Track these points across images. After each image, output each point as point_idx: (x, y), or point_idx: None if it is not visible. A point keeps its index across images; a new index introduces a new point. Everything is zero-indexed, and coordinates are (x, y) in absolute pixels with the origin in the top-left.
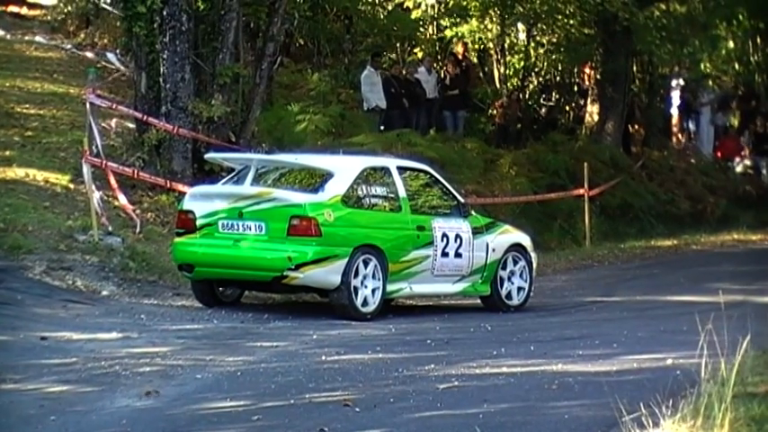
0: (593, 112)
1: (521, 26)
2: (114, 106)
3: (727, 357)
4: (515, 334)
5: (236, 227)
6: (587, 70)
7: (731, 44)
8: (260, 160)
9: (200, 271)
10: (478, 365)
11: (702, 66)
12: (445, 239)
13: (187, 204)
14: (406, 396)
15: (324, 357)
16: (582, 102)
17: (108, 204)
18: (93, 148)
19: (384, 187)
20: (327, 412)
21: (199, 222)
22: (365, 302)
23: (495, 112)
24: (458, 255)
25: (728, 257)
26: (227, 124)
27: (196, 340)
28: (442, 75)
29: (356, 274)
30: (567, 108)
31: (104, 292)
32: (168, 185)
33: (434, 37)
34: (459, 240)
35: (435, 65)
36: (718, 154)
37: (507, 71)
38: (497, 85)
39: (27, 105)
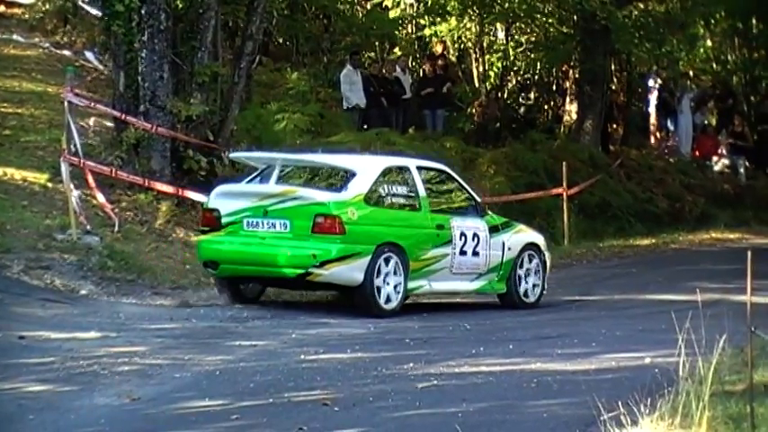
0: (571, 111)
1: (500, 25)
2: (93, 105)
3: (705, 356)
4: (494, 333)
5: (260, 225)
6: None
7: (709, 43)
8: (284, 159)
9: (225, 268)
10: (457, 364)
11: (680, 65)
12: (463, 238)
13: (212, 203)
14: (384, 395)
15: (303, 356)
16: (560, 101)
17: (86, 203)
18: (72, 146)
19: (404, 186)
20: (306, 411)
21: (224, 220)
22: (387, 299)
23: (473, 111)
24: (475, 253)
25: (706, 256)
26: (205, 123)
27: (175, 339)
28: (421, 73)
29: (378, 272)
30: (546, 107)
31: (83, 291)
32: (146, 184)
33: (413, 36)
34: (476, 239)
35: (412, 64)
36: (696, 153)
37: (486, 70)
38: (476, 85)
39: (5, 104)
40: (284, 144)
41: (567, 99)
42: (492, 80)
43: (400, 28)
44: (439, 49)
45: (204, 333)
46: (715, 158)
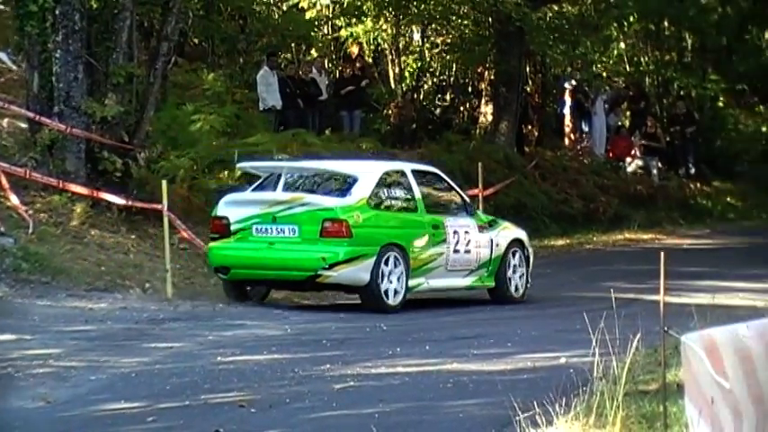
0: (487, 112)
1: (415, 27)
2: (6, 106)
3: (619, 356)
4: (410, 333)
5: (269, 230)
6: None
7: (622, 45)
8: (290, 168)
9: (235, 272)
10: (374, 365)
11: (594, 66)
12: (456, 237)
13: (221, 211)
14: (301, 396)
15: (219, 358)
16: (476, 102)
17: (0, 205)
18: None
19: (401, 189)
20: (223, 413)
21: (233, 227)
22: (393, 295)
23: (390, 112)
24: (467, 251)
25: (620, 256)
26: (120, 124)
27: (90, 341)
28: (337, 75)
29: (383, 272)
30: (462, 108)
31: None
32: (61, 186)
33: (329, 37)
34: (467, 237)
35: (329, 65)
36: (610, 154)
37: (402, 71)
38: (392, 86)
39: None
40: (200, 145)
41: (483, 100)
42: (408, 81)
43: (316, 29)
44: (355, 50)
45: (120, 335)
46: (628, 160)
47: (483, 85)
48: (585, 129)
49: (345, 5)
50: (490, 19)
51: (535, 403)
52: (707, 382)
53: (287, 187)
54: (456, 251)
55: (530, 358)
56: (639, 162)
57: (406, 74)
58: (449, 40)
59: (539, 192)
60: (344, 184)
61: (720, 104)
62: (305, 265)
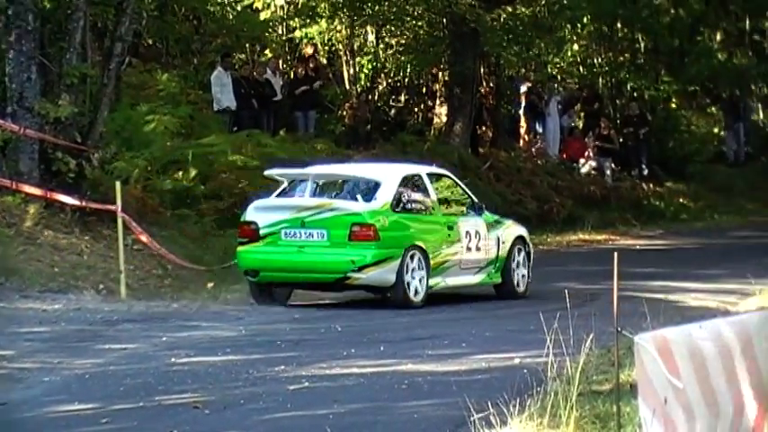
0: (441, 113)
1: (370, 28)
2: None
3: (573, 356)
4: (365, 334)
5: (298, 234)
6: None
7: (576, 47)
8: (316, 174)
9: (265, 275)
10: (329, 366)
11: (548, 68)
12: (468, 236)
13: (250, 216)
14: (256, 398)
15: (173, 359)
16: (431, 103)
17: None
18: None
19: (419, 192)
20: (177, 415)
21: (262, 232)
22: (415, 294)
23: (344, 113)
24: (477, 249)
25: (574, 257)
26: (74, 125)
27: (44, 343)
28: (292, 75)
29: (407, 272)
30: (416, 109)
31: None
32: (14, 187)
33: (284, 38)
34: (478, 236)
35: (283, 66)
36: (564, 155)
37: (357, 72)
38: (347, 87)
39: None
40: (154, 146)
41: (437, 101)
42: (363, 82)
43: (271, 30)
44: (309, 51)
45: (74, 336)
46: (582, 161)
47: (437, 87)
48: (539, 130)
49: (300, 6)
50: (444, 20)
51: (489, 404)
52: (660, 382)
53: (313, 193)
54: (468, 250)
55: (484, 359)
56: (593, 163)
57: (361, 75)
58: (403, 42)
59: (493, 193)
60: (368, 189)
61: (673, 106)
62: (335, 268)
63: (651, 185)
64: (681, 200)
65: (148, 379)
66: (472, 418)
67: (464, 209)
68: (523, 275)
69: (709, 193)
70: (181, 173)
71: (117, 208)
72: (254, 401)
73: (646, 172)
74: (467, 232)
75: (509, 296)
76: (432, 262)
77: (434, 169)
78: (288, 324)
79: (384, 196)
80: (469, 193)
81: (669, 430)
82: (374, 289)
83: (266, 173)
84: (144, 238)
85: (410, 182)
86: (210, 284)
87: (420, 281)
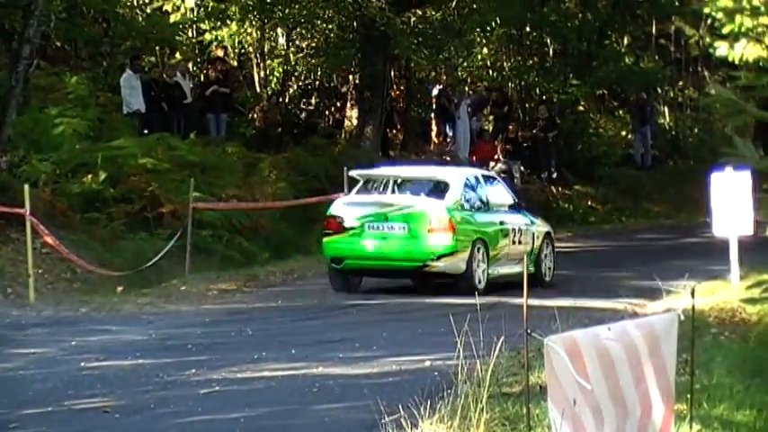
0: (352, 116)
1: (280, 30)
2: None
3: (483, 358)
4: (276, 337)
5: (381, 227)
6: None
7: (485, 50)
8: (396, 175)
9: (349, 263)
10: (240, 370)
11: (458, 71)
12: (513, 231)
13: (336, 210)
14: (166, 402)
15: (83, 364)
16: (341, 106)
17: None
18: None
19: (476, 192)
20: (87, 419)
21: (347, 224)
22: (479, 281)
23: (255, 116)
24: (520, 242)
25: None
26: None
27: None
28: (202, 78)
29: (474, 262)
30: (327, 112)
31: None
32: None
33: (194, 40)
34: (520, 231)
35: (193, 68)
36: (474, 157)
37: (267, 75)
38: (258, 90)
39: None
40: (63, 148)
41: (348, 104)
42: (273, 85)
43: (181, 33)
44: (220, 53)
45: None
46: (492, 163)
47: (348, 90)
48: (450, 133)
49: (210, 9)
50: (355, 23)
51: (400, 406)
52: (569, 383)
53: (394, 191)
54: (514, 243)
55: (395, 361)
56: (502, 166)
57: (272, 78)
58: (314, 45)
59: None
60: (439, 189)
61: (581, 109)
62: (416, 257)
63: (560, 188)
64: (589, 203)
65: (58, 384)
66: (383, 421)
67: (506, 207)
68: (549, 267)
69: (617, 196)
70: (90, 176)
71: (25, 211)
72: (164, 405)
73: (555, 175)
74: (512, 228)
75: (538, 285)
76: (491, 253)
77: (485, 172)
78: (199, 328)
79: (453, 195)
80: (511, 193)
81: (578, 431)
82: (447, 276)
83: (351, 173)
84: (51, 240)
85: (470, 182)
86: (120, 288)
87: (483, 271)
